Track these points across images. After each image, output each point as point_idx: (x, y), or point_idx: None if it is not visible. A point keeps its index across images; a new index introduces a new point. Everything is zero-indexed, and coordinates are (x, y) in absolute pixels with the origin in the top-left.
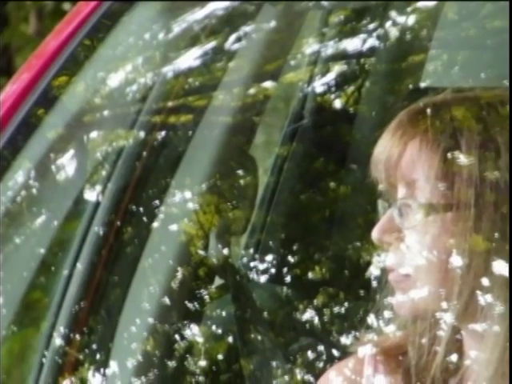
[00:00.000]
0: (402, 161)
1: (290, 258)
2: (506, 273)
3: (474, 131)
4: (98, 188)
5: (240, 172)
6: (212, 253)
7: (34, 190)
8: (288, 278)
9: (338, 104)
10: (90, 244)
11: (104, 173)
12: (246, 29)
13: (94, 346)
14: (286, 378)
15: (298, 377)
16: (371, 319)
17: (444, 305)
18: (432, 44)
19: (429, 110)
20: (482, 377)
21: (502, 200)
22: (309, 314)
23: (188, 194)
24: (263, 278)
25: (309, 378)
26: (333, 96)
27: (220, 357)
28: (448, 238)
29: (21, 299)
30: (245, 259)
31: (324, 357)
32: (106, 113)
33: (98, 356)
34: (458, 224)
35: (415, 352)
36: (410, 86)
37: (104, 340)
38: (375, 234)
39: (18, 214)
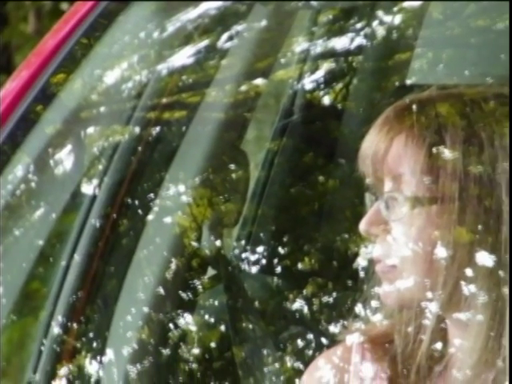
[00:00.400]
0: (388, 155)
1: (281, 250)
2: (489, 264)
3: (458, 127)
4: (95, 182)
5: (232, 166)
6: (205, 244)
7: (33, 184)
8: (278, 269)
9: (326, 100)
10: (87, 236)
11: (100, 167)
12: (238, 28)
13: (91, 335)
14: (277, 365)
15: (288, 364)
16: (359, 308)
17: (429, 295)
18: (417, 43)
19: (414, 107)
20: (465, 364)
21: (486, 193)
22: (298, 304)
23: (182, 188)
24: (254, 269)
25: (298, 365)
26: (322, 93)
27: (213, 345)
28: (433, 230)
29: (20, 289)
30: (237, 250)
31: (313, 345)
32: (102, 109)
33: (94, 344)
34: (442, 216)
35: (401, 340)
36: (397, 84)
37: (100, 329)
38: (362, 226)
39: (18, 206)
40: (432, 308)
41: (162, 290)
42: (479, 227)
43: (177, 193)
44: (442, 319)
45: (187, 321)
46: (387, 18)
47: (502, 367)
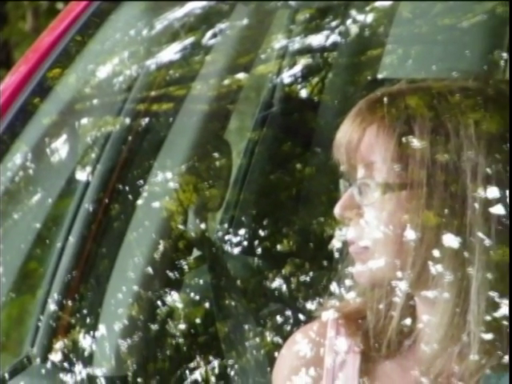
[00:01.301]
0: (361, 144)
1: (261, 232)
2: (455, 245)
3: (426, 118)
4: (88, 169)
5: (216, 155)
6: (190, 227)
7: (31, 171)
8: (259, 250)
9: (303, 93)
10: (81, 219)
11: (93, 155)
12: (221, 26)
13: (85, 311)
14: (257, 339)
15: (268, 339)
16: (334, 287)
17: (399, 274)
18: (388, 39)
19: (385, 99)
20: (433, 338)
21: (452, 180)
22: (277, 283)
23: (169, 175)
24: (236, 250)
25: (277, 339)
26: (299, 86)
27: (198, 320)
28: (402, 214)
29: (19, 269)
30: (220, 233)
31: (291, 321)
32: (95, 101)
33: (88, 320)
34: (411, 201)
35: (373, 316)
36: (369, 78)
37: (93, 305)
38: (337, 210)
39: (16, 192)
40: (402, 286)
41: (150, 270)
42: (445, 211)
43: (164, 179)
44: (411, 297)
45: (174, 298)
46: (360, 17)
47: (467, 341)
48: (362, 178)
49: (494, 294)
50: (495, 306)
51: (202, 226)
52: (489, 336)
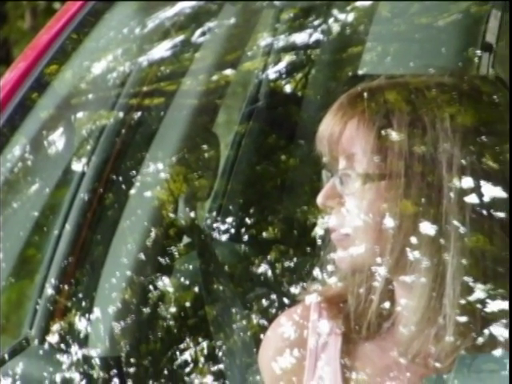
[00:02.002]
0: (342, 137)
1: (247, 220)
2: (432, 233)
3: (404, 112)
4: (84, 160)
5: (204, 147)
6: (180, 216)
7: (29, 162)
8: (245, 237)
9: (288, 89)
10: (77, 208)
11: (89, 147)
12: (210, 25)
13: (80, 295)
14: (244, 322)
15: (254, 321)
16: (316, 272)
17: (378, 260)
18: (368, 37)
19: (365, 94)
20: (410, 321)
21: (428, 170)
22: (263, 268)
23: (160, 166)
24: (224, 237)
25: (263, 322)
26: (284, 82)
27: (187, 304)
28: (382, 203)
29: (18, 255)
30: (209, 221)
31: (276, 304)
32: (90, 96)
33: (83, 303)
34: (390, 191)
35: (354, 300)
36: (350, 74)
37: (89, 290)
38: (320, 199)
39: (15, 182)
40: (381, 272)
41: (142, 256)
42: (422, 200)
43: (156, 170)
44: (389, 281)
45: (165, 283)
46: (341, 16)
47: (443, 324)
48: (343, 169)
49: (468, 279)
50: (469, 291)
51: (192, 214)
52: (463, 319)
